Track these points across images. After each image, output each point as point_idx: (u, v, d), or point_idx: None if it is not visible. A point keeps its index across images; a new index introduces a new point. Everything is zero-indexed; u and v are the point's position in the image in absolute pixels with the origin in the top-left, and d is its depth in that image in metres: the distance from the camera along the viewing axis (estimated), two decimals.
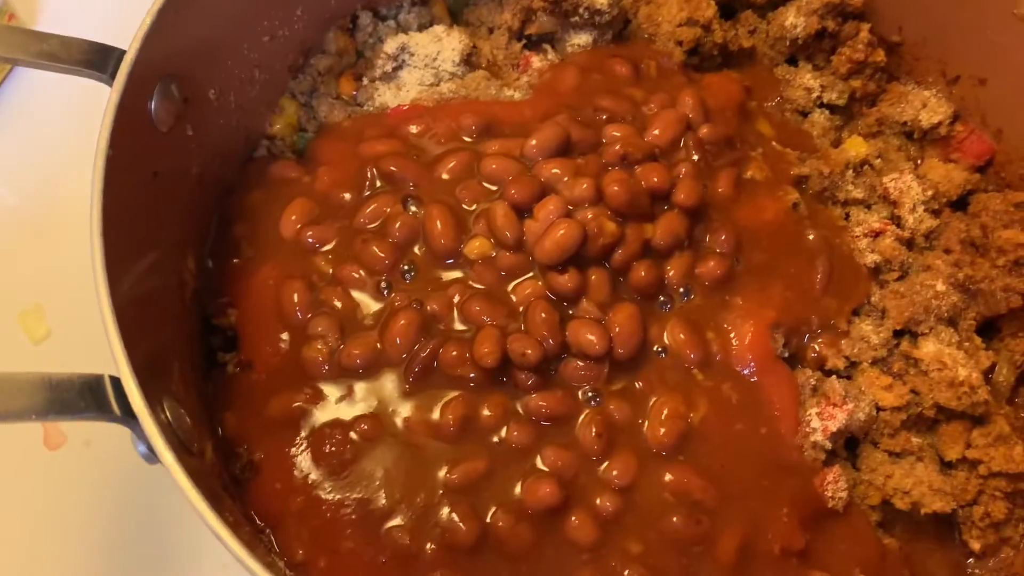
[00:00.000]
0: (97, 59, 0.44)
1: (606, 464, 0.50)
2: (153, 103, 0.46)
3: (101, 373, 0.38)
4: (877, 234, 0.56)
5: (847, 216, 0.58)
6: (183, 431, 0.41)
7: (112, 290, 0.39)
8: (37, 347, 0.67)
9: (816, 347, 0.54)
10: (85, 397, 0.37)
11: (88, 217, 0.42)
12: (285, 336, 0.51)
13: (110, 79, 0.43)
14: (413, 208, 0.54)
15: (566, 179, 0.52)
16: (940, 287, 0.54)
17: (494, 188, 0.53)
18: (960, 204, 0.61)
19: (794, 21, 0.62)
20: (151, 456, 0.38)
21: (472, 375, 0.50)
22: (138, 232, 0.45)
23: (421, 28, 0.63)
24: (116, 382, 0.38)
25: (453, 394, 0.50)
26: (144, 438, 0.37)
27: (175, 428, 0.39)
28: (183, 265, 0.52)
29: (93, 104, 0.71)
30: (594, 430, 0.50)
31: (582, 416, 0.51)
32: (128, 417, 0.37)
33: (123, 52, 0.44)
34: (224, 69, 0.53)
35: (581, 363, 0.51)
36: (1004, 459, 0.51)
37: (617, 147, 0.54)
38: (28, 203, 0.73)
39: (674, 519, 0.49)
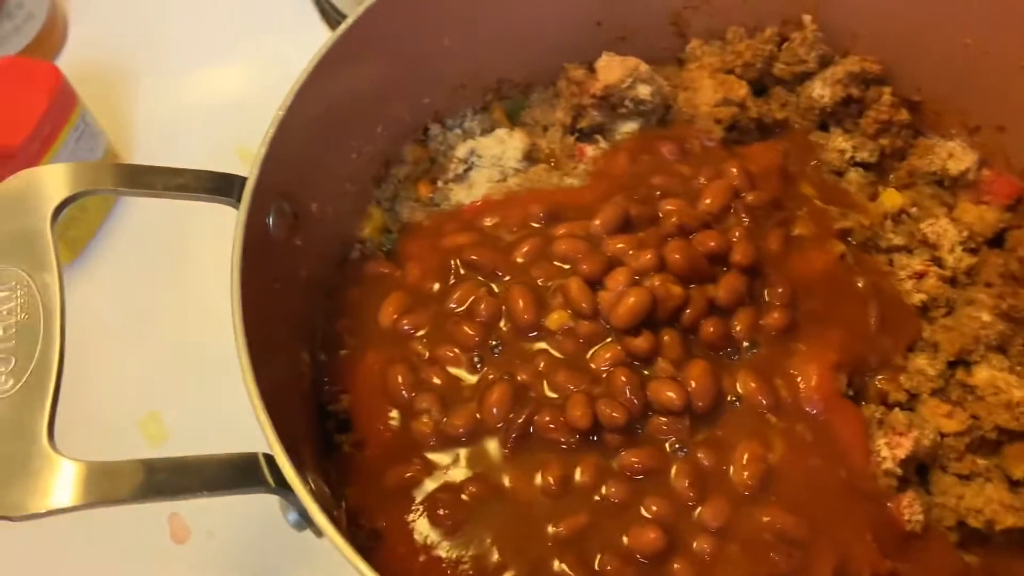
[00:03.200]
0: (224, 186, 0.51)
1: (700, 509, 0.54)
2: (270, 220, 0.54)
3: (256, 451, 0.44)
4: (921, 275, 0.61)
5: (891, 262, 0.63)
6: (325, 499, 0.46)
7: (257, 382, 0.45)
8: (157, 450, 0.74)
9: (877, 383, 0.58)
10: (241, 473, 0.43)
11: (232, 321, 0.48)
12: (394, 414, 0.57)
13: (236, 202, 0.51)
14: (495, 290, 0.60)
15: (631, 252, 0.58)
16: (986, 318, 0.58)
17: (566, 266, 0.59)
18: (997, 241, 0.65)
19: (821, 92, 0.68)
20: (302, 523, 0.44)
21: (566, 438, 0.55)
22: (264, 333, 0.52)
23: (484, 133, 0.70)
24: (268, 458, 0.44)
25: (550, 456, 0.55)
26: (297, 505, 0.43)
27: (319, 496, 0.44)
28: (300, 359, 0.58)
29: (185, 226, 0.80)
30: (687, 480, 0.54)
31: (673, 467, 0.55)
32: (282, 488, 0.43)
33: (244, 179, 0.51)
34: (322, 185, 0.60)
35: (664, 419, 0.56)
36: None
37: (673, 219, 0.60)
38: (130, 320, 0.80)
39: (769, 554, 0.52)
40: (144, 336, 0.80)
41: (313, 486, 0.46)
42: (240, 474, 0.43)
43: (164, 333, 0.79)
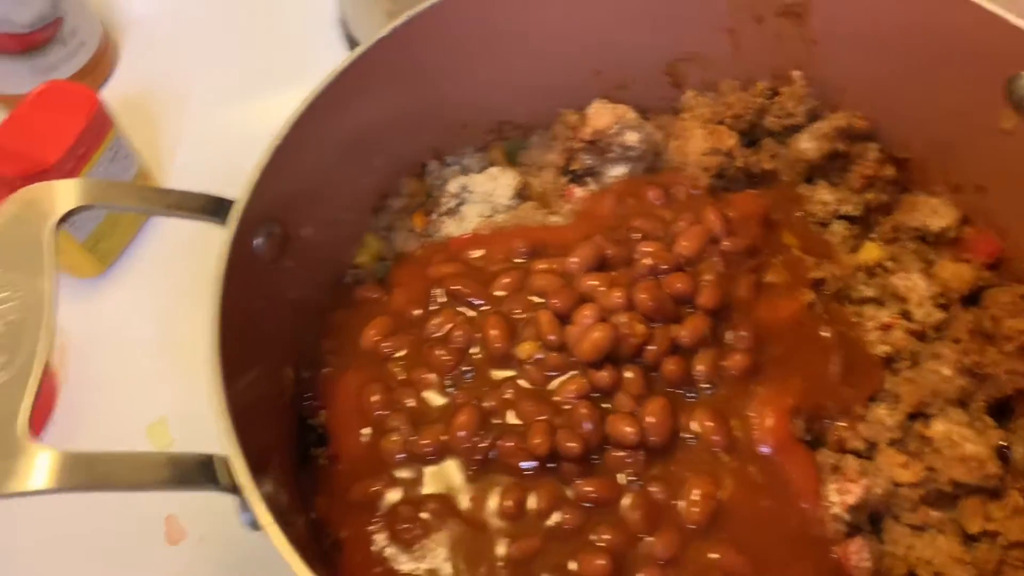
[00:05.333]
0: (213, 207, 0.55)
1: (651, 541, 0.56)
2: (258, 241, 0.58)
3: (212, 453, 0.48)
4: (888, 328, 0.62)
5: (860, 313, 0.64)
6: (280, 505, 0.50)
7: (227, 394, 0.49)
8: None
9: (836, 430, 0.59)
10: (200, 472, 0.47)
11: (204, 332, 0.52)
12: (366, 430, 0.60)
13: (224, 223, 0.55)
14: (472, 318, 0.63)
15: (602, 289, 0.61)
16: (947, 372, 0.59)
17: (541, 300, 0.62)
18: (975, 299, 0.66)
19: (808, 145, 0.70)
20: (254, 524, 0.47)
21: (526, 464, 0.58)
22: (244, 347, 0.55)
23: (482, 171, 0.73)
24: (226, 461, 0.47)
25: (509, 480, 0.58)
26: (248, 507, 0.46)
27: (274, 501, 0.48)
28: (282, 374, 0.62)
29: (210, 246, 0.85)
30: (639, 512, 0.56)
31: (626, 498, 0.57)
32: (235, 488, 0.46)
33: (232, 202, 0.56)
34: (316, 212, 0.64)
35: (621, 452, 0.58)
36: (1020, 530, 0.55)
37: (647, 260, 0.62)
38: (152, 330, 0.85)
39: None
40: (164, 344, 0.84)
41: (270, 490, 0.49)
42: (195, 473, 0.47)
43: (182, 343, 0.84)
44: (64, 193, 0.53)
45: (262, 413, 0.57)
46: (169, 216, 0.55)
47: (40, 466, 0.45)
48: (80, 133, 0.77)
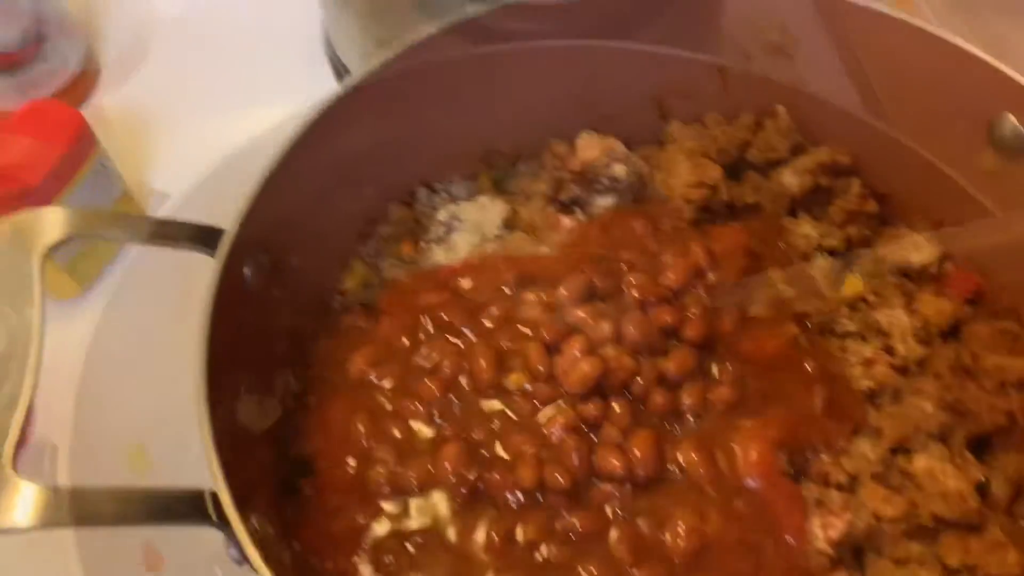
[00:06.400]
0: (203, 237, 0.55)
1: (637, 573, 0.56)
2: (247, 271, 0.57)
3: (202, 488, 0.47)
4: (871, 363, 0.63)
5: (844, 348, 0.65)
6: (266, 538, 0.49)
7: (212, 423, 0.48)
8: (140, 480, 0.77)
9: (820, 463, 0.60)
10: (187, 507, 0.46)
11: (191, 365, 0.52)
12: (352, 462, 0.60)
13: (213, 253, 0.55)
14: (461, 348, 0.63)
15: (591, 322, 0.61)
16: (929, 408, 0.60)
17: (529, 331, 0.63)
18: (955, 334, 0.67)
19: (791, 180, 0.71)
20: (241, 559, 0.47)
21: (513, 497, 0.58)
22: (232, 376, 0.55)
23: (470, 198, 0.74)
24: (213, 495, 0.47)
25: (496, 512, 0.58)
26: (235, 542, 0.46)
27: (261, 536, 0.47)
28: (268, 405, 0.62)
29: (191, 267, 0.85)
30: (625, 545, 0.57)
31: (613, 531, 0.57)
32: (223, 524, 0.46)
33: (223, 231, 0.55)
34: (304, 240, 0.64)
35: (608, 485, 0.58)
36: (998, 564, 0.56)
37: (635, 293, 0.63)
38: (130, 353, 0.84)
39: None
40: (141, 368, 0.83)
41: (257, 525, 0.48)
42: (186, 508, 0.46)
43: (161, 367, 0.83)
44: (52, 222, 0.52)
45: (249, 445, 0.57)
46: (157, 246, 0.54)
47: (24, 502, 0.44)
48: (63, 154, 0.76)
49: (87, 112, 0.94)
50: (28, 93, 0.89)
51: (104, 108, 0.96)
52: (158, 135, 0.95)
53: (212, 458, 0.47)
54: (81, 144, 0.78)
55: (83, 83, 0.96)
